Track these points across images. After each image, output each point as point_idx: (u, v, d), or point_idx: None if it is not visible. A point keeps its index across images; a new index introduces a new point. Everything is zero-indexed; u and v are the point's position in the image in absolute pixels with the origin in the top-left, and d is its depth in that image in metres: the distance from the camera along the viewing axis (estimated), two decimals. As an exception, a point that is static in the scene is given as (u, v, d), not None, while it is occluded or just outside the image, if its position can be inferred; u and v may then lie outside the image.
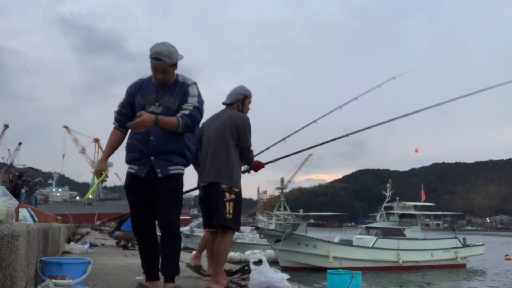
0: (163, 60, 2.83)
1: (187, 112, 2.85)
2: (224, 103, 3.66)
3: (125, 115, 2.98)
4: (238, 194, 3.34)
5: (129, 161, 2.95)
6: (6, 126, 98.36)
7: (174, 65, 2.91)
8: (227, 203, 3.24)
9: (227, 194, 3.26)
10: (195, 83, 3.01)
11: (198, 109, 2.91)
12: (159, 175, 2.84)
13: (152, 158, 2.84)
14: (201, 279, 3.89)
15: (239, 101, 3.61)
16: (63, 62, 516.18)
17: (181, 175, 2.94)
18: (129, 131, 2.99)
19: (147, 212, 2.91)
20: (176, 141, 2.89)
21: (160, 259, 2.91)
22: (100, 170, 2.90)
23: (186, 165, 2.98)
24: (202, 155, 3.51)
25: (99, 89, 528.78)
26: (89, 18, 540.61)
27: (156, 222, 2.95)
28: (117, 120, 3.02)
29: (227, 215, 3.23)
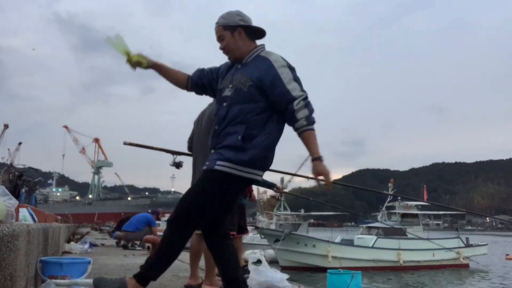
0: (217, 22, 2.34)
1: (297, 107, 2.19)
2: None
3: (198, 76, 2.48)
4: None
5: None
6: (6, 126, 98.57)
7: (234, 29, 2.32)
8: None
9: None
10: (288, 65, 2.29)
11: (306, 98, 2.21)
12: None
13: None
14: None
15: None
16: (61, 61, 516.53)
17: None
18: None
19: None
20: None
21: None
22: (139, 57, 2.37)
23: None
24: (193, 156, 3.28)
25: (97, 89, 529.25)
26: (86, 16, 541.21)
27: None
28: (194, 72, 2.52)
29: None
